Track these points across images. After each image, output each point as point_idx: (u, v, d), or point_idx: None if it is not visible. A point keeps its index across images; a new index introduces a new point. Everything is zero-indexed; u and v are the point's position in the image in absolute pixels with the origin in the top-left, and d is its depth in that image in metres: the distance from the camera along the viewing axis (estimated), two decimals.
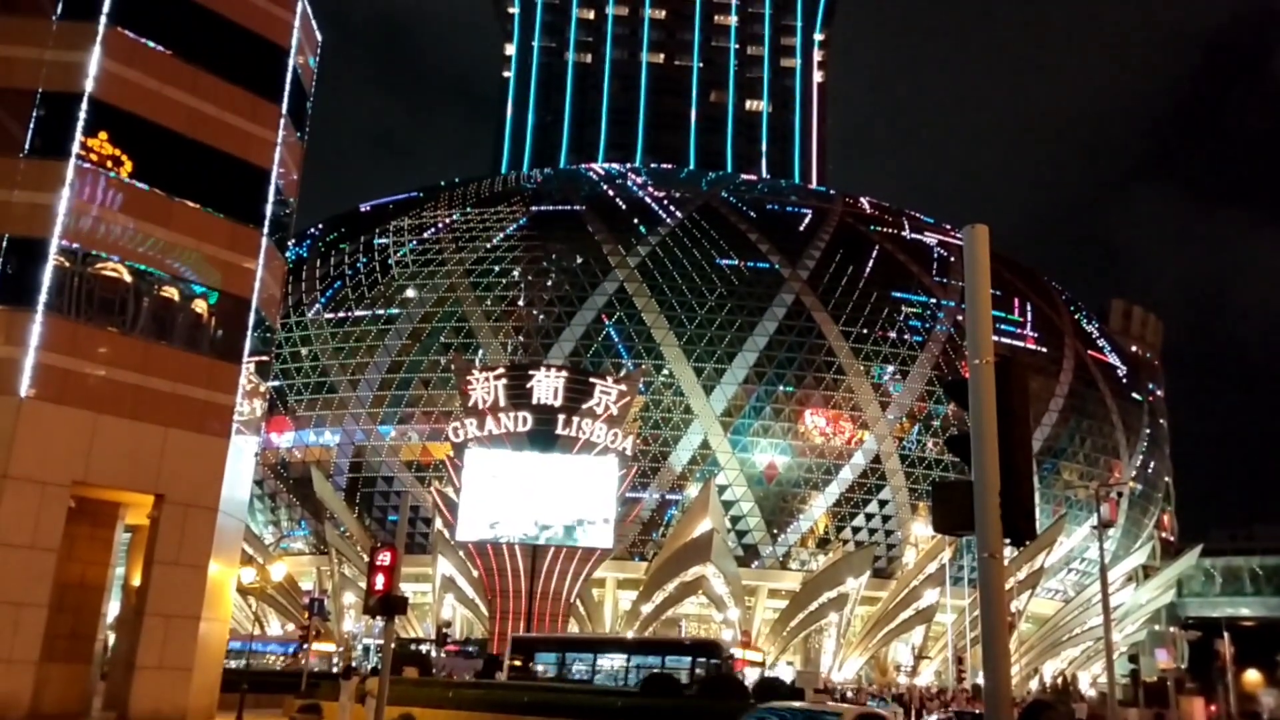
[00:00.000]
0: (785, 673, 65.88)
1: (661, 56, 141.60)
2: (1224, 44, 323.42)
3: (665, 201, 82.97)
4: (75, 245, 25.54)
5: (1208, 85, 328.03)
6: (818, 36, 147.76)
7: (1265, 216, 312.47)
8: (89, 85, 25.69)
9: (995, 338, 10.10)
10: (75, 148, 25.41)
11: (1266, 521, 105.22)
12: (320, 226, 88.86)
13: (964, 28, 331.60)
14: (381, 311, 74.63)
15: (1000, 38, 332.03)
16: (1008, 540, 9.28)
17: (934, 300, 77.88)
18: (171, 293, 28.01)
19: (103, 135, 26.24)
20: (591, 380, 61.61)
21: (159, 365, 26.60)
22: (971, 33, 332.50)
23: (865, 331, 73.89)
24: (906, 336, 74.80)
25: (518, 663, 45.81)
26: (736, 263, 76.03)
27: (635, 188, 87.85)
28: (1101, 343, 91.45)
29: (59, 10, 26.56)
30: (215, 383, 27.71)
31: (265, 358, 32.62)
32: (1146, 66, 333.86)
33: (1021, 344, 78.25)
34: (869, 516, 71.60)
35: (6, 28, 25.99)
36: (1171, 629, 78.08)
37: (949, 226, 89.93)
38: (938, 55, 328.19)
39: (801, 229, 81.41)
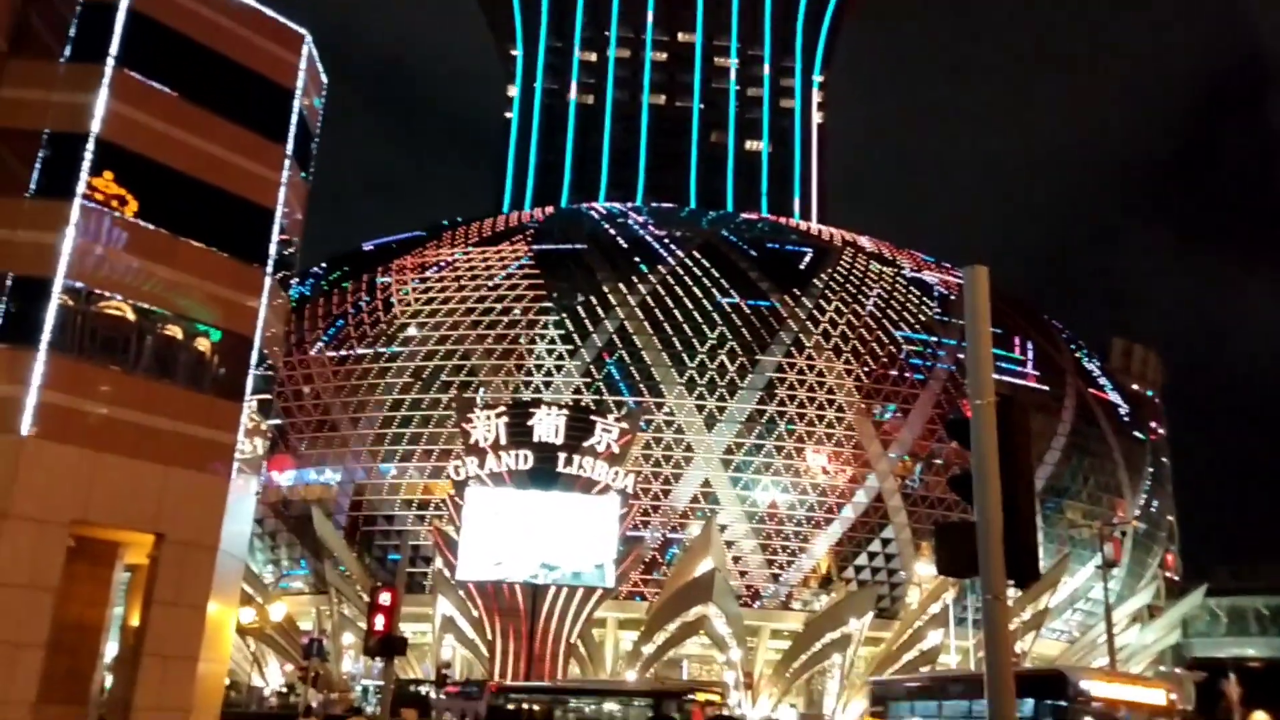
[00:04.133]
0: (789, 715, 65.24)
1: (663, 98, 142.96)
2: (1219, 88, 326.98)
3: (666, 240, 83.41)
4: (79, 284, 25.67)
5: (1204, 128, 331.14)
6: (816, 79, 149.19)
7: (1261, 257, 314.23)
8: (95, 126, 25.94)
9: (996, 376, 10.12)
10: (80, 188, 25.61)
11: (1270, 560, 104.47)
12: (324, 265, 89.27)
13: (963, 68, 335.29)
14: (383, 349, 74.77)
15: (998, 79, 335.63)
16: (1011, 581, 9.24)
17: (935, 338, 78.00)
18: (174, 331, 28.08)
19: (108, 175, 26.46)
20: (592, 418, 61.55)
21: (161, 403, 26.61)
22: (970, 73, 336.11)
23: (866, 370, 73.93)
24: (908, 375, 74.82)
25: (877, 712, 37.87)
26: (737, 300, 76.28)
27: (636, 226, 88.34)
28: (1103, 381, 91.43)
29: (67, 53, 26.88)
30: (217, 421, 27.70)
31: (267, 396, 32.63)
32: (1144, 108, 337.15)
33: (1023, 382, 78.19)
34: (871, 555, 71.16)
35: (14, 70, 26.28)
36: (1177, 670, 77.22)
37: (949, 265, 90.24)
38: (936, 96, 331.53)
39: (802, 267, 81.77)
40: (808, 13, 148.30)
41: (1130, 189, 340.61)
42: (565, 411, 61.22)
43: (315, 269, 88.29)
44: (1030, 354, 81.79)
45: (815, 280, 79.79)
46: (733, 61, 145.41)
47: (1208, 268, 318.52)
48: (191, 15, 27.82)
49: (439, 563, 61.46)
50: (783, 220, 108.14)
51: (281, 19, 30.15)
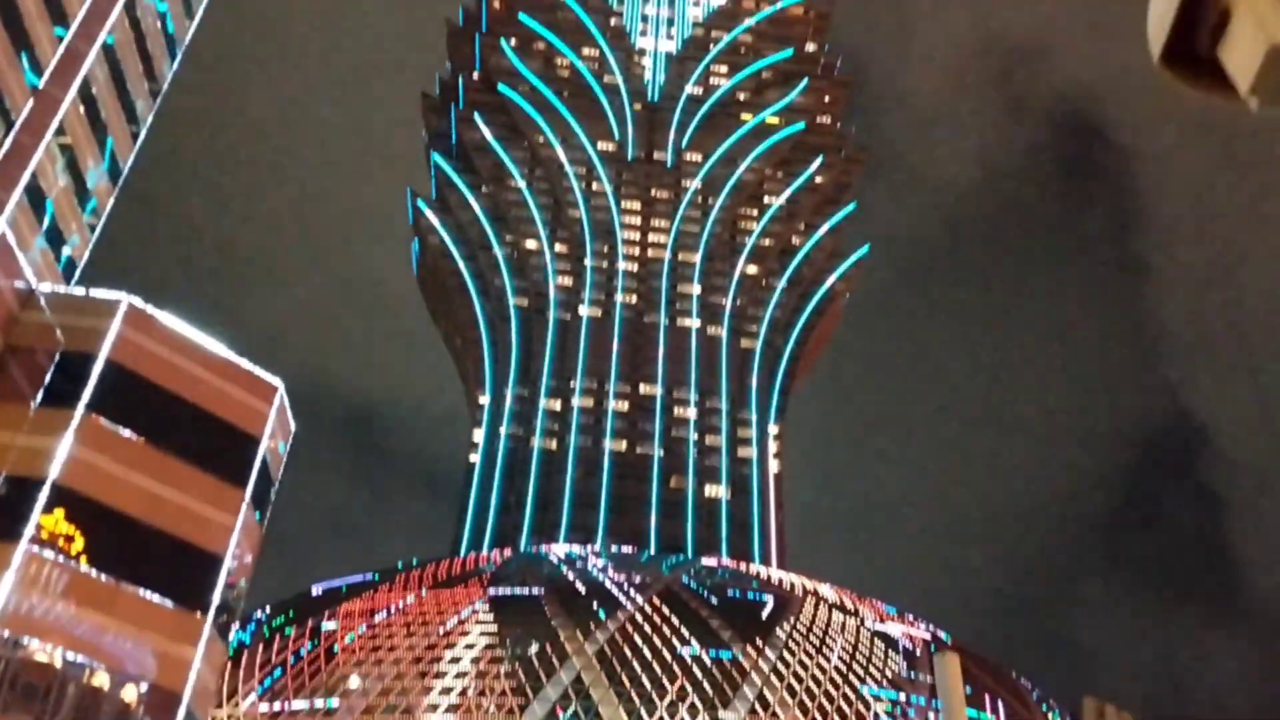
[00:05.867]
0: None
1: (624, 444, 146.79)
2: (1156, 444, 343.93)
3: (626, 585, 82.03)
4: (7, 631, 24.44)
5: (1145, 483, 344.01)
6: (772, 429, 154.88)
7: (1213, 608, 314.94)
8: (54, 471, 25.94)
9: None
10: (28, 531, 25.14)
11: None
12: (267, 610, 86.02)
13: (910, 424, 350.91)
14: (320, 703, 70.32)
15: (948, 438, 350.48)
16: None
17: (903, 695, 75.10)
18: (101, 681, 26.47)
19: (59, 512, 26.12)
20: None
21: None
22: (916, 428, 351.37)
23: None
24: None
25: None
26: (698, 651, 73.79)
27: (596, 571, 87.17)
28: None
29: (40, 397, 27.43)
30: None
31: None
32: (1089, 462, 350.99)
33: None
34: None
35: None
36: None
37: (912, 617, 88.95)
38: (885, 448, 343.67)
39: (764, 616, 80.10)
40: (761, 370, 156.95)
41: (1084, 542, 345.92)
42: None
43: (258, 614, 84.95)
44: (1001, 714, 78.57)
45: (778, 630, 77.88)
46: (692, 412, 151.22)
47: (1165, 620, 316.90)
48: (167, 366, 28.82)
49: None
50: (743, 566, 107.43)
51: (256, 370, 31.29)
